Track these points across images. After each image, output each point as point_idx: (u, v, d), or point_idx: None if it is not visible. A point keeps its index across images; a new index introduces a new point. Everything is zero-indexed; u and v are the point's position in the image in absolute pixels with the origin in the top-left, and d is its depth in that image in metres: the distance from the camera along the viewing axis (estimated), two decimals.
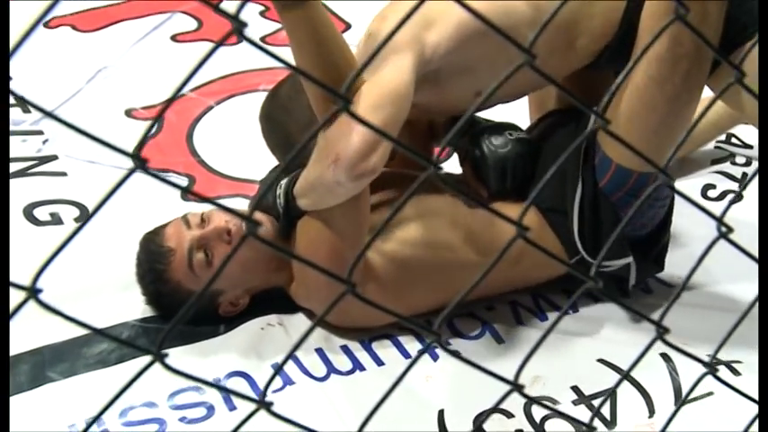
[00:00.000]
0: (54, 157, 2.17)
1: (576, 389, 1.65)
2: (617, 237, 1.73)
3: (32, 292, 0.55)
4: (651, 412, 1.61)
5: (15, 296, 0.58)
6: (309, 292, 1.70)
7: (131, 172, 0.57)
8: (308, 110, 1.56)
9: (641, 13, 1.63)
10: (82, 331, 1.68)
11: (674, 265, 1.91)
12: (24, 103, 2.32)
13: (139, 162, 0.56)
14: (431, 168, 0.67)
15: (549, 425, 1.56)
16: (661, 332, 0.87)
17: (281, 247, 0.88)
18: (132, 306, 1.77)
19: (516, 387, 0.77)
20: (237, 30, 0.55)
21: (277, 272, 1.74)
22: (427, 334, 1.70)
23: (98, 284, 1.81)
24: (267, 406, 0.68)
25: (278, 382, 1.62)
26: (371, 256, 1.66)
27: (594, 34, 1.68)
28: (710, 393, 1.60)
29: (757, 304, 1.02)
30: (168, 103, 0.66)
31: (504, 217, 0.75)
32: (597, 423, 1.58)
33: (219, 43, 0.56)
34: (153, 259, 1.69)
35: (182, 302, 1.62)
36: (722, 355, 1.57)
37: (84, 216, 1.98)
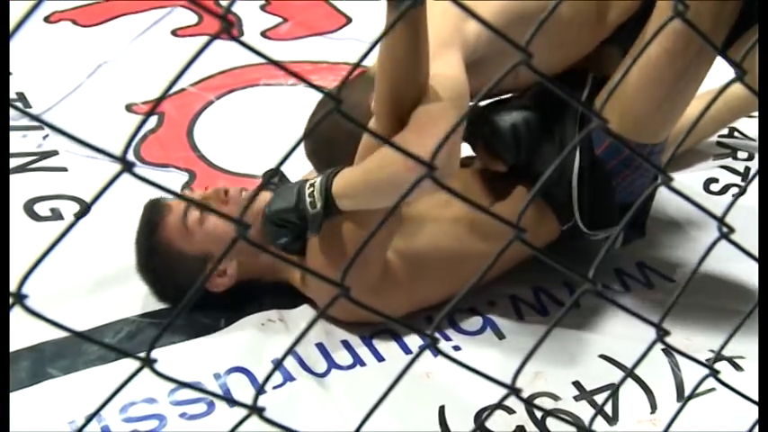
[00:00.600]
0: (54, 153, 2.17)
1: (577, 384, 1.64)
2: (609, 205, 1.74)
3: (18, 297, 0.55)
4: (653, 408, 1.60)
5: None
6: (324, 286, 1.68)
7: (118, 174, 0.56)
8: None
9: None
10: (81, 327, 1.69)
11: (678, 258, 1.91)
12: (25, 99, 2.32)
13: (126, 165, 0.55)
14: (428, 171, 0.66)
15: (550, 421, 1.56)
16: (661, 335, 0.87)
17: (270, 251, 0.86)
18: (133, 301, 1.76)
19: (514, 391, 0.77)
20: (226, 29, 0.55)
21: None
22: (424, 336, 1.68)
23: (96, 280, 1.80)
24: (259, 412, 0.67)
25: (278, 377, 1.61)
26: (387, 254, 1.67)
27: (624, 7, 1.69)
28: (713, 389, 1.59)
29: (758, 304, 1.01)
30: (158, 100, 0.66)
31: (503, 219, 0.74)
32: (599, 420, 1.58)
33: (211, 40, 0.56)
34: (149, 214, 1.74)
35: (172, 264, 1.69)
36: (724, 351, 1.56)
37: (86, 211, 1.97)
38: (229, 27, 0.54)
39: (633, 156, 1.69)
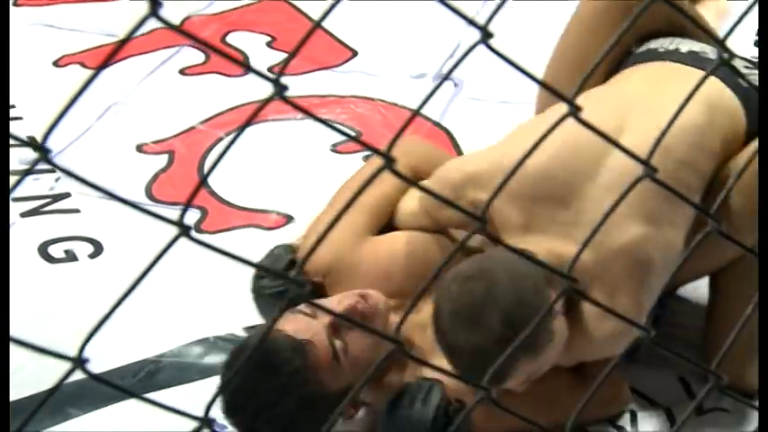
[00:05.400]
0: (67, 195, 2.18)
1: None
2: None
3: (79, 362, 0.56)
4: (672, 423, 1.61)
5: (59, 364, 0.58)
6: None
7: (175, 239, 0.57)
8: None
9: None
10: (101, 368, 1.69)
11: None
12: (36, 143, 2.33)
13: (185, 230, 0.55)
14: None
15: None
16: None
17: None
18: (150, 340, 1.77)
19: None
20: (278, 93, 0.56)
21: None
22: None
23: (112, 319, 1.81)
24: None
25: None
26: None
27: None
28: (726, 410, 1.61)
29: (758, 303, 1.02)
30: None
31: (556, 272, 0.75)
32: None
33: (262, 106, 0.57)
34: (287, 357, 1.41)
35: (319, 409, 1.39)
36: None
37: (98, 252, 1.99)
38: (282, 91, 0.56)
39: None
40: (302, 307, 1.47)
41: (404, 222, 1.70)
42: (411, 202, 1.69)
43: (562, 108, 0.74)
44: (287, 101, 0.59)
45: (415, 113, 0.68)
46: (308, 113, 0.66)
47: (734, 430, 1.61)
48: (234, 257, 0.60)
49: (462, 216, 1.48)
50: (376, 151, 0.64)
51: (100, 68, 0.55)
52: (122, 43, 0.56)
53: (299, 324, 1.44)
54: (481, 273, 1.40)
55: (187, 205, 0.57)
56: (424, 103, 0.67)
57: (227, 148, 0.58)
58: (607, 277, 1.42)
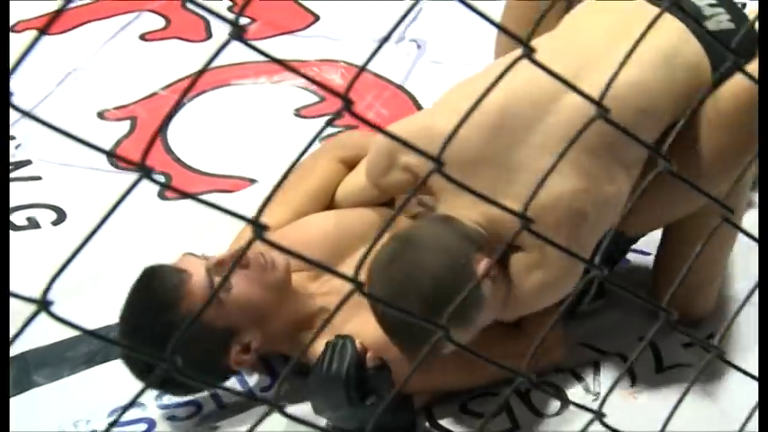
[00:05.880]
0: (28, 162, 2.17)
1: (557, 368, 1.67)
2: None
3: (43, 304, 0.56)
4: (632, 381, 1.64)
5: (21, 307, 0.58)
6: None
7: (137, 180, 0.57)
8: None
9: None
10: (65, 335, 1.69)
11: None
12: None
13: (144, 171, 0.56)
14: None
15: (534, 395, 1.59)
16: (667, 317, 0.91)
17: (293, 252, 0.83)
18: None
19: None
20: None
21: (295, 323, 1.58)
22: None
23: (84, 287, 1.80)
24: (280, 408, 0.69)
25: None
26: None
27: None
28: (689, 365, 1.63)
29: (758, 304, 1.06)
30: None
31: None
32: (581, 393, 1.61)
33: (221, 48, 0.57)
34: (163, 284, 1.49)
35: (191, 342, 1.33)
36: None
37: (61, 219, 1.98)
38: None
39: None
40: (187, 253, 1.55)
41: (352, 199, 1.73)
42: (356, 177, 1.72)
43: (499, 63, 0.75)
44: (246, 43, 0.60)
45: (362, 69, 0.69)
46: (272, 58, 0.66)
47: (697, 385, 1.62)
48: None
49: (405, 179, 1.52)
50: (334, 93, 0.65)
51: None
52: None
53: (188, 260, 1.52)
54: (407, 248, 1.43)
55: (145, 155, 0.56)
56: (370, 59, 0.67)
57: (179, 103, 0.58)
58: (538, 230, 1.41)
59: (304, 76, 0.71)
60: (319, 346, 1.49)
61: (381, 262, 1.41)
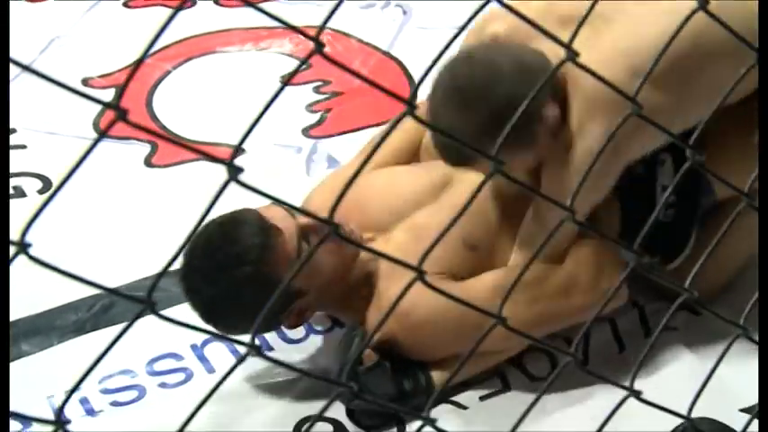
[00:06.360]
0: (13, 131, 2.15)
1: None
2: None
3: (22, 246, 0.56)
4: (621, 348, 1.65)
5: None
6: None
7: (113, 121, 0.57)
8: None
9: None
10: (54, 303, 1.69)
11: None
12: None
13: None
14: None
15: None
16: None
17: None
18: (105, 276, 1.76)
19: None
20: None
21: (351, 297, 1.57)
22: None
23: (65, 256, 1.80)
24: (257, 349, 0.69)
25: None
26: None
27: None
28: (675, 329, 1.64)
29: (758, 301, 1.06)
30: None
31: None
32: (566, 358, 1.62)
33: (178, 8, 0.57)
34: (253, 233, 1.43)
35: (263, 295, 1.38)
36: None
37: (48, 187, 1.97)
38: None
39: None
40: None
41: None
42: None
43: None
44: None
45: (320, 29, 0.68)
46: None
47: (684, 348, 1.63)
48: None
49: None
50: (305, 35, 0.65)
51: None
52: None
53: (276, 213, 1.45)
54: (491, 50, 1.40)
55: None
56: (325, 23, 0.67)
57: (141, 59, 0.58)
58: (633, 54, 1.37)
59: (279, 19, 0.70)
60: (365, 309, 1.53)
61: (461, 55, 1.38)
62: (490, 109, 1.32)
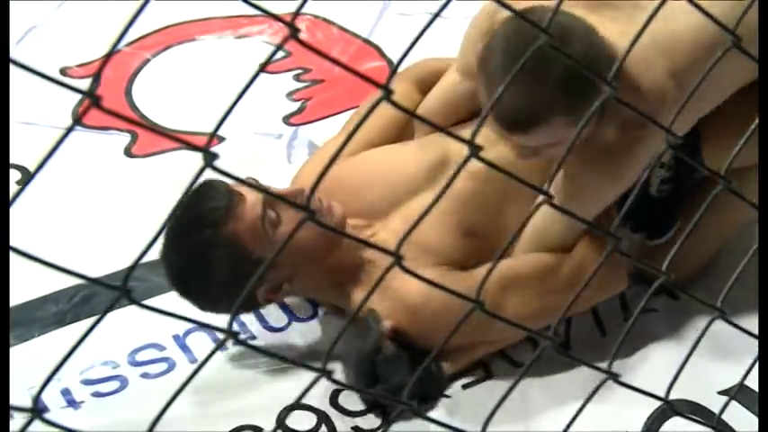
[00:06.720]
0: None
1: None
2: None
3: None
4: (603, 332, 1.66)
5: None
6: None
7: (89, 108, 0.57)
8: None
9: None
10: (34, 294, 1.68)
11: None
12: None
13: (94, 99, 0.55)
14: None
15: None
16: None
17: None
18: (87, 266, 1.76)
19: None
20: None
21: (334, 274, 1.56)
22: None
23: (47, 246, 1.79)
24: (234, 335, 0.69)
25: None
26: None
27: None
28: (655, 310, 1.66)
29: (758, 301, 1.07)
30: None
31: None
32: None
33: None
34: (215, 197, 1.44)
35: (231, 264, 1.42)
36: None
37: (26, 178, 1.96)
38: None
39: None
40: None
41: (443, 97, 1.68)
42: (447, 77, 1.68)
43: None
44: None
45: (296, 14, 0.68)
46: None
47: (664, 329, 1.64)
48: None
49: None
50: (282, 21, 0.64)
51: None
52: None
53: (243, 186, 1.42)
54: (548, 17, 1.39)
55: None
56: (300, 8, 0.66)
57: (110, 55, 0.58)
58: (670, 55, 1.39)
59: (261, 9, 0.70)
60: (358, 297, 1.50)
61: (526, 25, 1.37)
62: (565, 66, 1.25)
